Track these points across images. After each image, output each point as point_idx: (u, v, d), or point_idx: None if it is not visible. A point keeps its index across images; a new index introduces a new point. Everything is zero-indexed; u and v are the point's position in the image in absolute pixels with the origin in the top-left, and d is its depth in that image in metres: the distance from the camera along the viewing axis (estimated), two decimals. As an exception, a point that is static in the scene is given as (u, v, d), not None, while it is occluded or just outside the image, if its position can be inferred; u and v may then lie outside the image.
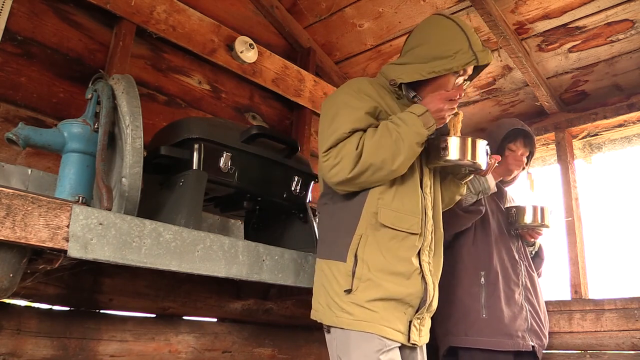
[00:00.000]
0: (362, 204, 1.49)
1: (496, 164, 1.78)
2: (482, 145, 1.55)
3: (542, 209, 2.14)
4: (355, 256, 1.44)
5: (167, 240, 1.29)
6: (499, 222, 2.19)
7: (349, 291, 1.43)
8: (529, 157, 2.28)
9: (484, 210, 2.10)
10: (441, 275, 2.11)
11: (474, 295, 2.02)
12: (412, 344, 1.47)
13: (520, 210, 2.17)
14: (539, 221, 2.13)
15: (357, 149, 1.43)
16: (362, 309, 1.42)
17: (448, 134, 1.57)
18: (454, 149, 1.52)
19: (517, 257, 2.15)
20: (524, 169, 2.30)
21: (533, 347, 2.01)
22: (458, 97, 1.51)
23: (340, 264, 1.46)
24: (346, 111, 1.49)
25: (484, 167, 1.58)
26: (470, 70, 1.60)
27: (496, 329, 1.97)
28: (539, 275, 2.33)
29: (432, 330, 1.62)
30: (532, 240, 2.23)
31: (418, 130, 1.43)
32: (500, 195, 2.27)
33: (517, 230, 2.22)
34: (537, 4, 2.47)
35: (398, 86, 1.58)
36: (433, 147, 1.55)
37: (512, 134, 2.22)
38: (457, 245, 2.12)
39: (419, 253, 1.50)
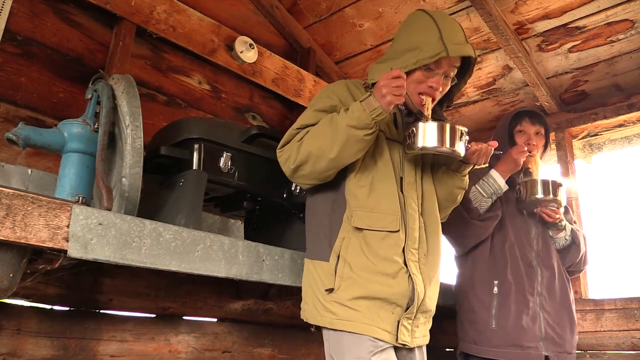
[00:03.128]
0: (343, 207, 1.49)
1: (493, 151, 1.62)
2: (454, 130, 1.45)
3: (553, 183, 1.99)
4: (338, 256, 1.44)
5: (167, 240, 1.29)
6: (517, 226, 2.07)
7: (330, 290, 1.43)
8: (547, 135, 2.13)
9: (500, 214, 2.02)
10: (460, 283, 2.09)
11: (486, 305, 1.98)
12: (402, 344, 1.44)
13: (529, 184, 2.01)
14: (551, 195, 1.98)
15: (299, 140, 1.47)
16: (345, 308, 1.41)
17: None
18: (422, 136, 1.44)
19: (534, 263, 2.03)
20: (545, 150, 2.14)
21: (547, 356, 1.94)
22: (434, 86, 1.49)
23: (324, 264, 1.47)
24: (306, 110, 1.56)
25: (462, 152, 1.48)
26: (449, 63, 1.51)
27: (505, 339, 1.92)
28: (582, 263, 2.16)
29: (433, 332, 1.61)
30: (551, 220, 2.05)
31: (352, 115, 1.38)
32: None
33: (528, 207, 2.06)
34: (537, 4, 2.47)
35: (372, 87, 1.56)
36: (404, 136, 1.51)
37: (515, 118, 2.13)
38: (476, 253, 2.06)
39: (403, 251, 1.46)
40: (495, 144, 1.62)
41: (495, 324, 1.94)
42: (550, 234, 2.13)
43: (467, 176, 1.68)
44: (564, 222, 2.10)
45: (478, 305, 1.99)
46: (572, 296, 2.10)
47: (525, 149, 2.00)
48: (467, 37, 1.54)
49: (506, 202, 2.06)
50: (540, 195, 1.99)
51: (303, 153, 1.44)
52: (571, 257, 2.13)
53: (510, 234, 2.05)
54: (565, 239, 2.13)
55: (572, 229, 2.14)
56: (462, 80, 1.63)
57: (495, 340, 1.93)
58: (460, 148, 1.47)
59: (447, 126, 1.45)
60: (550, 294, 2.02)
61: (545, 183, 2.00)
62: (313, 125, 1.48)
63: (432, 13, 1.54)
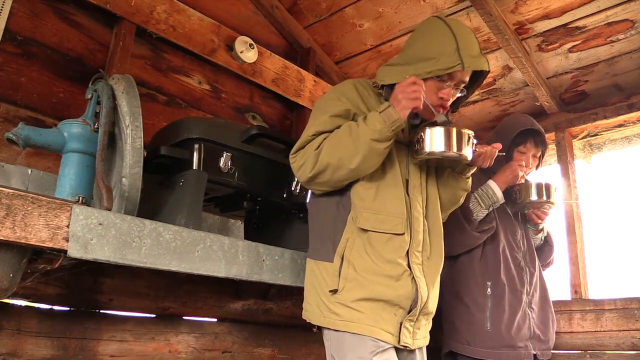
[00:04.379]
0: (348, 208, 1.49)
1: (498, 153, 1.66)
2: (461, 135, 1.47)
3: (547, 186, 2.06)
4: (342, 257, 1.44)
5: (167, 240, 1.29)
6: (506, 228, 2.12)
7: (334, 291, 1.43)
8: (541, 157, 2.21)
9: (495, 226, 2.05)
10: (450, 283, 2.08)
11: (480, 306, 1.99)
12: (403, 346, 1.45)
13: (524, 187, 2.08)
14: (545, 198, 2.05)
15: (316, 149, 1.45)
16: (348, 309, 1.41)
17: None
18: (429, 141, 1.46)
19: (523, 263, 2.09)
20: (536, 169, 2.22)
21: (535, 355, 1.99)
22: (444, 97, 1.50)
23: (327, 265, 1.47)
24: (318, 113, 1.54)
25: (469, 157, 1.50)
26: (461, 77, 1.52)
27: (499, 340, 1.94)
28: (550, 263, 2.28)
29: (433, 332, 1.61)
30: (539, 221, 2.14)
31: (374, 127, 1.39)
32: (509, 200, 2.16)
33: (522, 209, 2.15)
34: (537, 4, 2.47)
35: (381, 88, 1.57)
36: (412, 141, 1.52)
37: (520, 135, 2.14)
38: (468, 256, 2.07)
39: (407, 254, 1.47)
40: (499, 146, 1.65)
41: (490, 325, 1.96)
42: (530, 234, 2.21)
43: (470, 178, 1.70)
44: (543, 224, 2.20)
45: (473, 307, 2.01)
46: (549, 293, 2.19)
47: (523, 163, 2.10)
48: (481, 48, 1.54)
49: (498, 208, 2.09)
50: (535, 197, 2.07)
51: (322, 163, 1.43)
52: (544, 257, 2.24)
53: (501, 236, 2.09)
54: (541, 239, 2.24)
55: (547, 230, 2.24)
56: (471, 89, 1.63)
57: (490, 342, 1.95)
58: (468, 152, 1.49)
59: (454, 131, 1.46)
60: (535, 293, 2.10)
61: (540, 186, 2.07)
62: (329, 131, 1.47)
63: (449, 22, 1.54)
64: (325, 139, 1.46)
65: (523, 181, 2.11)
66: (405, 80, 1.43)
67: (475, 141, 1.52)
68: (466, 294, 2.04)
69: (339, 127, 1.47)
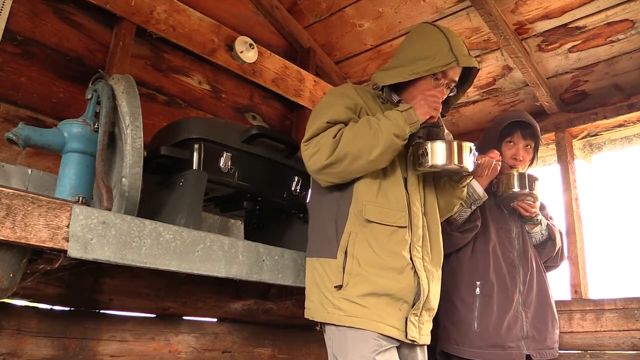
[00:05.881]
0: (349, 203, 1.52)
1: (495, 162, 1.71)
2: (462, 147, 1.53)
3: (528, 177, 2.03)
4: (345, 252, 1.46)
5: (167, 240, 1.30)
6: (499, 226, 2.11)
7: (339, 287, 1.44)
8: (535, 150, 2.16)
9: (479, 224, 2.04)
10: (441, 282, 2.09)
11: (468, 306, 1.98)
12: (411, 340, 1.47)
13: (505, 178, 2.04)
14: (527, 189, 2.01)
15: (334, 137, 1.47)
16: (354, 305, 1.43)
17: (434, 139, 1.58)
18: (431, 155, 1.53)
19: (516, 262, 2.07)
20: (531, 163, 2.17)
21: (528, 355, 1.97)
22: (440, 98, 1.56)
23: (331, 261, 1.48)
24: (327, 107, 1.57)
25: (470, 168, 1.56)
26: (453, 75, 1.60)
27: (487, 340, 1.93)
28: (558, 258, 2.22)
29: (433, 332, 1.61)
30: (527, 214, 2.10)
31: (397, 123, 1.46)
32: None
33: (506, 202, 2.11)
34: (537, 4, 2.47)
35: (381, 90, 1.63)
36: (416, 154, 1.57)
37: (507, 128, 2.12)
38: (457, 255, 2.06)
39: (409, 247, 1.51)
40: (497, 155, 1.72)
41: (478, 325, 1.96)
42: (527, 228, 2.18)
43: (466, 188, 1.77)
44: (540, 217, 2.15)
45: (461, 306, 2.00)
46: (551, 292, 2.15)
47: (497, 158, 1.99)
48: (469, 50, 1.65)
49: (487, 203, 2.07)
50: (516, 189, 2.03)
51: (341, 151, 1.45)
52: (547, 252, 2.19)
53: (492, 235, 2.08)
54: (542, 233, 2.18)
55: (547, 224, 2.19)
56: (462, 90, 1.71)
57: (478, 341, 1.94)
58: (468, 163, 1.55)
59: (455, 144, 1.54)
60: (531, 292, 2.06)
61: (521, 177, 2.04)
62: (343, 121, 1.51)
63: (440, 27, 1.64)
64: (341, 129, 1.49)
65: (515, 173, 2.07)
66: (430, 92, 1.54)
67: (476, 153, 1.59)
68: (455, 293, 2.03)
69: (351, 119, 1.52)
